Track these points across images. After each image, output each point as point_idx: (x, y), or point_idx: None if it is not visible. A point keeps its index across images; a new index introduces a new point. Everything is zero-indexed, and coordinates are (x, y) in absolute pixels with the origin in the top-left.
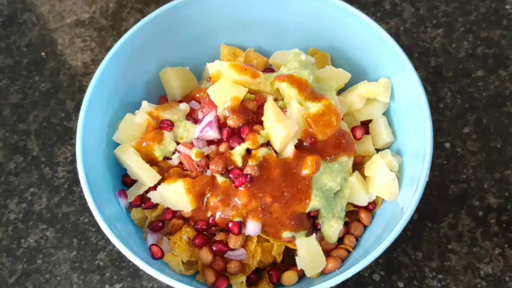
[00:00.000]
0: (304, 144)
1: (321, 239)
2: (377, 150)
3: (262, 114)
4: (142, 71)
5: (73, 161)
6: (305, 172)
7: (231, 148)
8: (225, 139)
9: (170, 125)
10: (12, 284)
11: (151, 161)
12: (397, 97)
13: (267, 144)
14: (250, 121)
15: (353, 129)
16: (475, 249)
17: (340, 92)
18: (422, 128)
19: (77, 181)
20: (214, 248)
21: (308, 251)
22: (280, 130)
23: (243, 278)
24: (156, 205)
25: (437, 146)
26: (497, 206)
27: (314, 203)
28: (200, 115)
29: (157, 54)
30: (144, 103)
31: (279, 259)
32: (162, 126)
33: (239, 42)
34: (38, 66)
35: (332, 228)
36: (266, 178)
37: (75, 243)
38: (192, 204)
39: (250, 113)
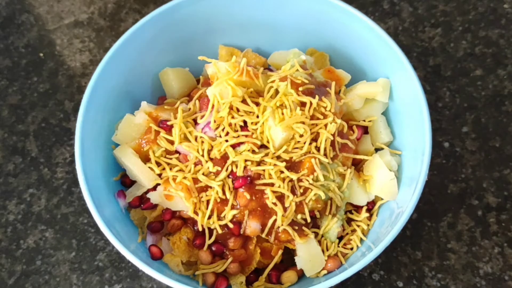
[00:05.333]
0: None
1: (320, 239)
2: (376, 150)
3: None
4: (141, 72)
5: (72, 162)
6: (303, 172)
7: None
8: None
9: (169, 125)
10: (12, 285)
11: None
12: (396, 96)
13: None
14: (249, 122)
15: (352, 129)
16: (474, 248)
17: (338, 92)
18: (421, 128)
19: (76, 182)
20: (213, 249)
21: (307, 251)
22: (279, 131)
23: (242, 278)
24: (156, 205)
25: (436, 145)
26: (496, 205)
27: (313, 203)
28: (199, 116)
29: (155, 54)
30: (143, 104)
31: (278, 259)
32: (161, 126)
33: (237, 43)
34: (36, 67)
35: (331, 227)
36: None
37: (74, 244)
38: (191, 204)
39: (249, 114)
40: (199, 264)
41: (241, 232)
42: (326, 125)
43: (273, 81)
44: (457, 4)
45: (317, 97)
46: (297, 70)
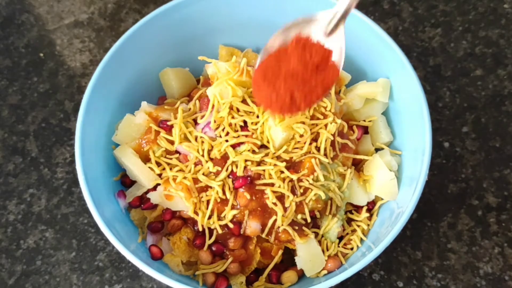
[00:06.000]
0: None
1: (320, 239)
2: (376, 150)
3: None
4: (141, 72)
5: (72, 162)
6: (303, 172)
7: None
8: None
9: (169, 125)
10: (12, 285)
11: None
12: (396, 96)
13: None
14: (249, 122)
15: (352, 129)
16: (474, 248)
17: (338, 92)
18: (421, 128)
19: (76, 182)
20: (213, 249)
21: (307, 251)
22: (279, 131)
23: (242, 278)
24: (156, 205)
25: (436, 145)
26: (496, 205)
27: (313, 203)
28: (199, 116)
29: (155, 54)
30: (144, 104)
31: (278, 259)
32: (161, 126)
33: (237, 43)
34: (36, 67)
35: (331, 227)
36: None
37: (75, 244)
38: (192, 204)
39: (249, 114)
40: (199, 264)
41: (241, 232)
42: (326, 125)
43: None
44: (457, 4)
45: None
46: None
